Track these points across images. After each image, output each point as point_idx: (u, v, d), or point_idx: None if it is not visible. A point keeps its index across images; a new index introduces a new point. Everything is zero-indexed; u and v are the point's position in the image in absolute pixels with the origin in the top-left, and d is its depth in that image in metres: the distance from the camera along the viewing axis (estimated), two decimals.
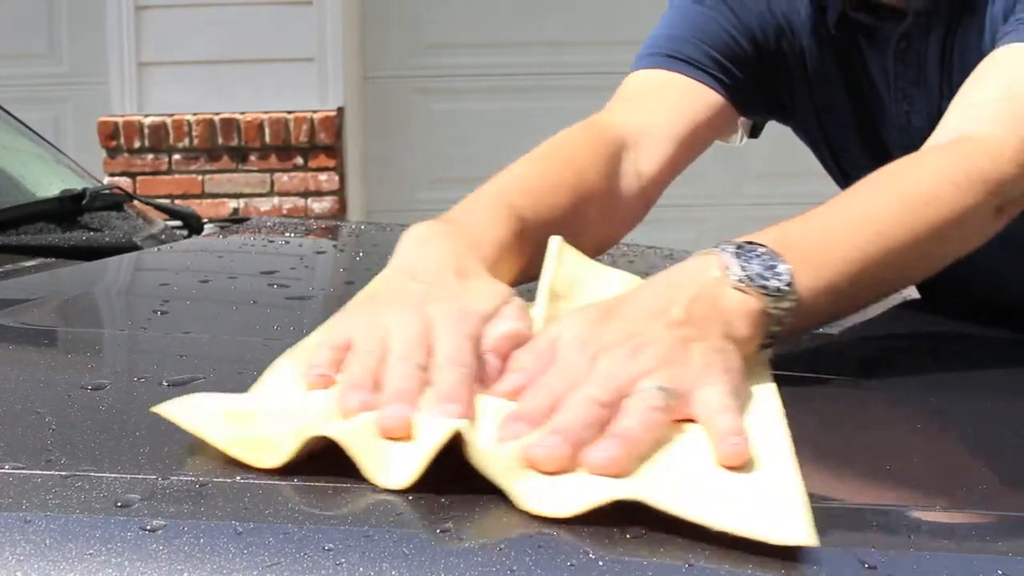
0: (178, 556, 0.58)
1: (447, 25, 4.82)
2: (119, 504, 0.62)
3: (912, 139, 1.17)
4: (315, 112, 4.47)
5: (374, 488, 0.64)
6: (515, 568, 0.57)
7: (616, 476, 0.65)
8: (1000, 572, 0.58)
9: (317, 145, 4.46)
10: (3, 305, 1.15)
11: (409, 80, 4.86)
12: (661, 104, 1.23)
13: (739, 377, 0.76)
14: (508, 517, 0.62)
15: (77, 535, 0.59)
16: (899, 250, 0.92)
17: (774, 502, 0.62)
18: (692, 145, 1.23)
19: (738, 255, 0.83)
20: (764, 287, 0.83)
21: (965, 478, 0.77)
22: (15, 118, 1.79)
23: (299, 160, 4.48)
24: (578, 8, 4.73)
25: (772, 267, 0.84)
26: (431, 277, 0.83)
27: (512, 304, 0.82)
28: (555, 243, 0.98)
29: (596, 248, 1.12)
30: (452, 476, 0.66)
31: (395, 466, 0.64)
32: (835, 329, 1.22)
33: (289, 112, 4.46)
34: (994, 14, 1.11)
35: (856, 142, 1.28)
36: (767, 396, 0.79)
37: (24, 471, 0.66)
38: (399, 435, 0.67)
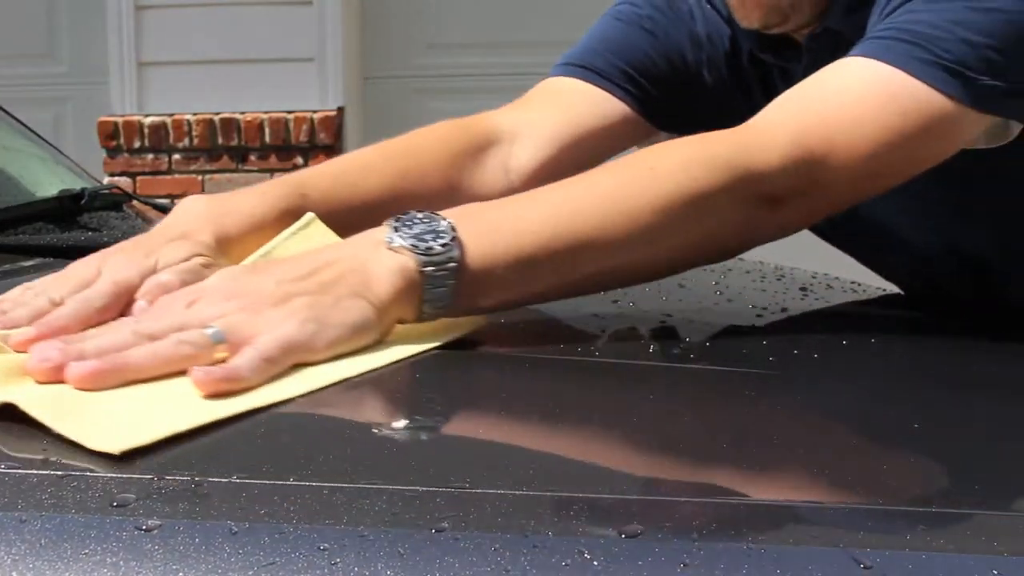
0: (173, 556, 0.58)
1: (447, 25, 4.82)
2: (114, 504, 0.62)
3: None
4: (315, 112, 4.46)
5: (371, 488, 0.64)
6: (510, 568, 0.57)
7: (88, 390, 0.71)
8: (995, 572, 0.58)
9: (317, 145, 4.46)
10: None
11: (409, 80, 4.86)
12: (553, 105, 1.23)
13: (334, 332, 0.79)
14: (504, 517, 0.62)
15: (72, 535, 0.59)
16: (602, 231, 0.91)
17: (135, 424, 0.68)
18: (580, 148, 1.20)
19: (399, 221, 0.86)
20: (416, 247, 0.84)
21: (962, 478, 0.77)
22: (15, 118, 1.79)
23: (299, 160, 4.48)
24: (579, 8, 4.73)
25: (434, 230, 0.85)
26: (142, 240, 0.92)
27: (191, 263, 0.89)
28: (305, 218, 0.99)
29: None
30: (450, 476, 0.66)
31: None
32: (831, 326, 1.22)
33: (289, 112, 4.46)
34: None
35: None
36: (366, 361, 0.81)
37: (19, 470, 0.66)
38: None
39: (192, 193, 4.69)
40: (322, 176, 1.05)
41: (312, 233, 0.97)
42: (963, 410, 0.94)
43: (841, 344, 1.22)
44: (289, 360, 0.78)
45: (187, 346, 0.75)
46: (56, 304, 0.84)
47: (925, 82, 0.98)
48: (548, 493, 0.66)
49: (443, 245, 0.85)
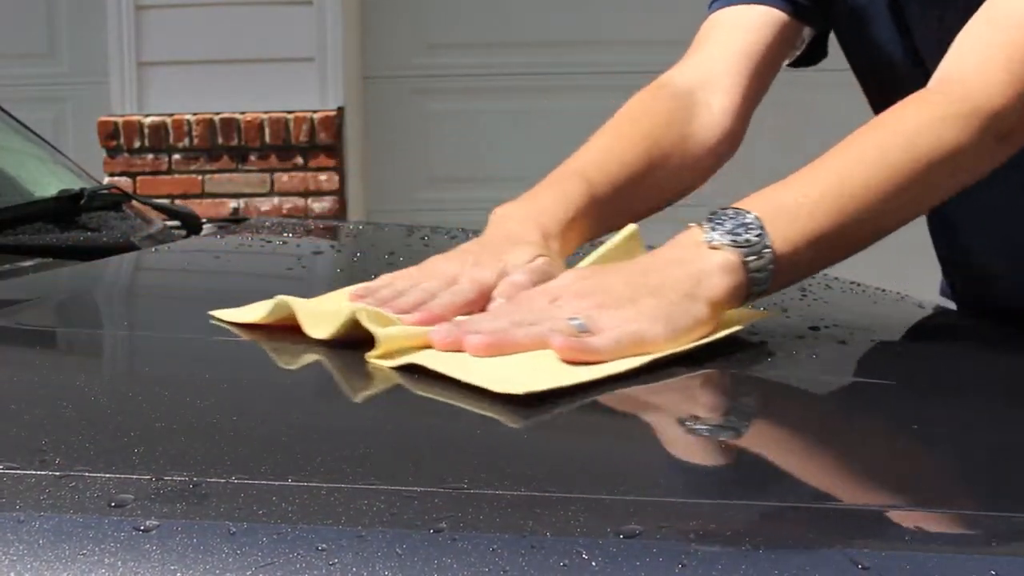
0: (171, 556, 0.58)
1: (447, 25, 4.81)
2: (113, 504, 0.62)
3: (942, 43, 1.18)
4: (315, 112, 4.46)
5: (369, 488, 0.64)
6: (508, 568, 0.57)
7: (481, 357, 0.85)
8: (994, 573, 0.58)
9: (317, 145, 4.46)
10: (2, 305, 1.15)
11: (409, 80, 4.86)
12: (723, 43, 1.28)
13: (675, 330, 0.91)
14: (502, 518, 0.62)
15: (71, 535, 0.59)
16: (879, 193, 1.00)
17: (526, 378, 0.82)
18: (760, 70, 1.28)
19: (710, 220, 0.95)
20: (735, 241, 0.94)
21: (961, 479, 0.77)
22: (15, 118, 1.79)
23: (299, 160, 4.48)
24: (580, 8, 4.72)
25: (743, 223, 0.95)
26: (486, 244, 1.04)
27: (536, 263, 1.00)
28: (628, 229, 1.10)
29: (681, 194, 1.25)
30: (448, 476, 0.66)
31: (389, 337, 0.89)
32: (830, 326, 1.22)
33: (289, 112, 4.46)
34: None
35: (890, 44, 1.29)
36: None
37: (18, 471, 0.66)
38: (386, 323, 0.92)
39: (192, 193, 4.68)
40: (596, 170, 1.14)
41: (632, 246, 1.08)
42: (963, 410, 0.94)
43: (842, 344, 1.22)
44: (636, 351, 0.88)
45: (558, 333, 0.87)
46: (430, 295, 0.98)
47: None
48: (546, 493, 0.66)
49: (757, 236, 0.94)
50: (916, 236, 1.46)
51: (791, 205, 0.98)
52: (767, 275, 0.95)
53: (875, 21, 1.30)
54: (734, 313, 0.98)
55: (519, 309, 0.92)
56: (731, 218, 0.95)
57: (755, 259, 0.94)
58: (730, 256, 0.94)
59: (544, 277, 0.98)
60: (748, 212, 0.96)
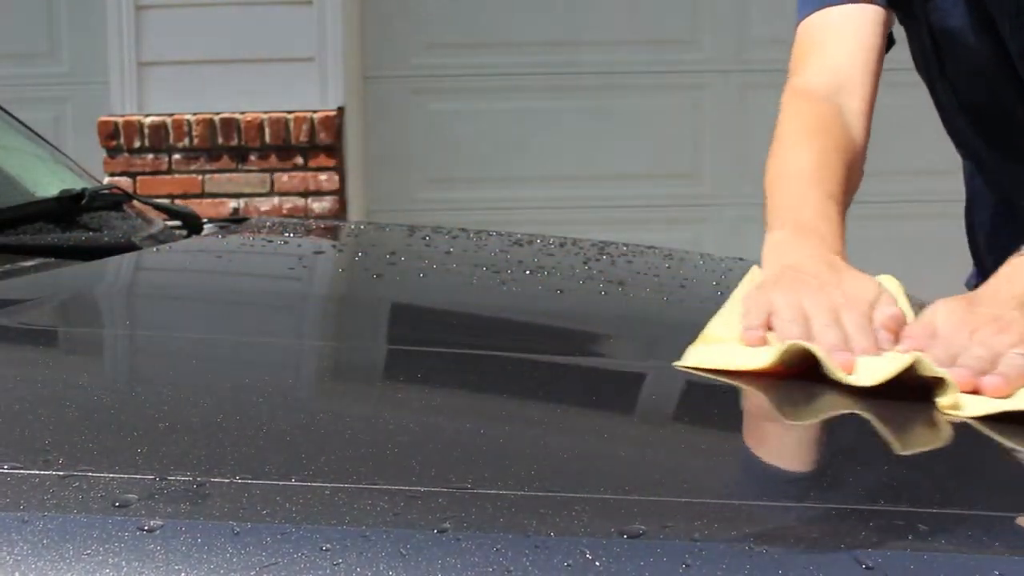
0: (175, 556, 0.58)
1: (447, 25, 4.81)
2: (117, 504, 0.62)
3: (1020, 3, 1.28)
4: (315, 112, 4.46)
5: (372, 488, 0.64)
6: (512, 568, 0.57)
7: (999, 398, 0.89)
8: (997, 573, 0.58)
9: (317, 145, 4.46)
10: (2, 305, 1.15)
11: (409, 80, 4.85)
12: (842, 43, 1.34)
13: None
14: (506, 518, 0.62)
15: (75, 535, 0.59)
16: None
17: None
18: (878, 63, 1.34)
19: None
20: None
21: (963, 478, 0.77)
22: (15, 118, 1.79)
23: (299, 160, 4.48)
24: (578, 8, 4.72)
25: None
26: (812, 271, 1.06)
27: (886, 293, 1.04)
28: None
29: (856, 190, 1.31)
30: (452, 476, 0.66)
31: (861, 375, 0.91)
32: None
33: (289, 112, 4.46)
34: None
35: (970, 28, 1.35)
36: None
37: (22, 471, 0.66)
38: (849, 368, 0.93)
39: (192, 193, 4.67)
40: (829, 182, 1.22)
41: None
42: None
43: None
44: None
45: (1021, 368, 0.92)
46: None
47: None
48: (550, 493, 0.66)
49: None
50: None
51: None
52: None
53: (962, 30, 1.35)
54: None
55: (967, 345, 0.95)
56: None
57: None
58: None
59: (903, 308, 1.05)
60: None
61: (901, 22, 1.43)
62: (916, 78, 1.50)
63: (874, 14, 1.33)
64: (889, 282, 1.11)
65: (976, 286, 1.47)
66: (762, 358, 0.94)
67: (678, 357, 0.95)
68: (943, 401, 0.88)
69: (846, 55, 1.32)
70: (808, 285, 1.03)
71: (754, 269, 1.19)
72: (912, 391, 0.91)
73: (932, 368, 0.90)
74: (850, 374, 0.92)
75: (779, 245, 1.14)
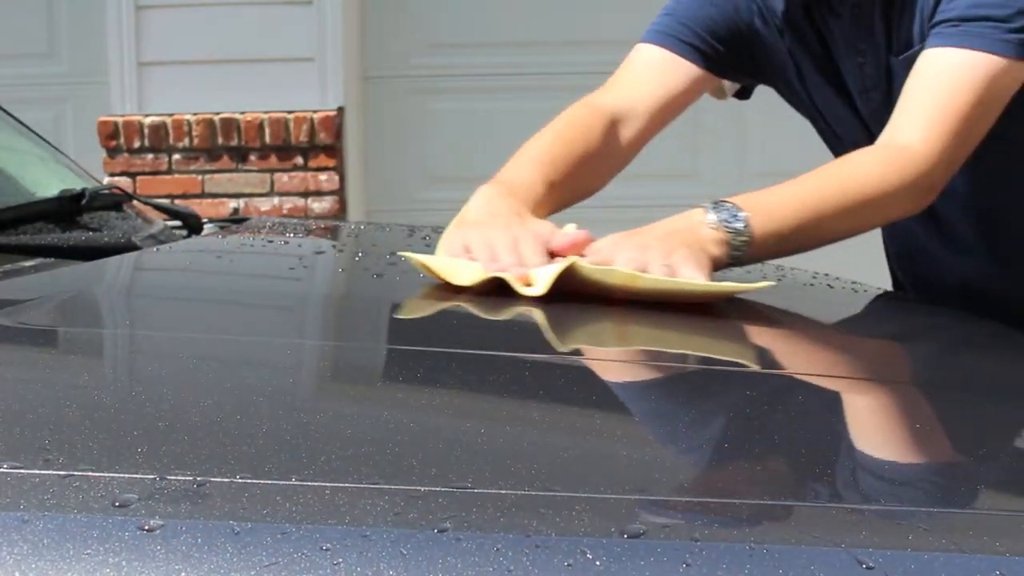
0: (176, 556, 0.58)
1: (447, 25, 4.81)
2: (117, 504, 0.62)
3: (865, 83, 1.54)
4: (315, 112, 4.46)
5: (372, 488, 0.64)
6: (512, 568, 0.57)
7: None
8: (998, 573, 0.58)
9: (317, 145, 4.46)
10: (2, 305, 1.15)
11: (409, 80, 4.85)
12: (646, 82, 1.59)
13: (703, 266, 1.22)
14: (507, 517, 0.62)
15: (75, 535, 0.59)
16: (830, 215, 1.35)
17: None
18: (667, 110, 1.59)
19: (713, 208, 1.29)
20: (727, 226, 1.28)
21: (964, 478, 0.77)
22: (15, 118, 1.79)
23: (299, 160, 4.48)
24: (578, 8, 4.72)
25: (735, 215, 1.28)
26: (503, 217, 1.30)
27: (561, 231, 1.28)
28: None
29: (592, 192, 1.55)
30: (452, 476, 0.66)
31: (536, 285, 1.16)
32: (832, 326, 1.22)
33: (289, 112, 4.46)
34: None
35: (827, 89, 1.60)
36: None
37: (22, 471, 0.66)
38: (525, 280, 1.18)
39: (192, 193, 4.67)
40: (548, 161, 1.45)
41: None
42: (963, 410, 0.94)
43: (843, 344, 1.22)
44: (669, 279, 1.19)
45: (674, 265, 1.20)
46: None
47: (999, 54, 1.37)
48: (550, 493, 0.66)
49: (744, 227, 1.28)
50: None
51: (770, 208, 1.33)
52: (742, 253, 1.29)
53: (813, 75, 1.59)
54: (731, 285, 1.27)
55: (632, 250, 1.22)
56: (727, 209, 1.29)
57: (737, 241, 1.28)
58: (721, 236, 1.27)
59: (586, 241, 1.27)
60: (739, 209, 1.29)
61: (779, 92, 1.68)
62: None
63: (686, 69, 1.58)
64: (571, 227, 1.33)
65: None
66: (465, 276, 1.19)
67: (678, 357, 0.95)
68: (614, 280, 1.15)
69: (640, 93, 1.58)
70: (496, 225, 1.27)
71: (463, 210, 1.37)
72: None
73: (590, 268, 1.16)
74: (528, 286, 1.16)
75: (483, 195, 1.36)
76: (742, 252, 1.29)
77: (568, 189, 1.47)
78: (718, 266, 1.27)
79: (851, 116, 1.58)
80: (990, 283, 1.61)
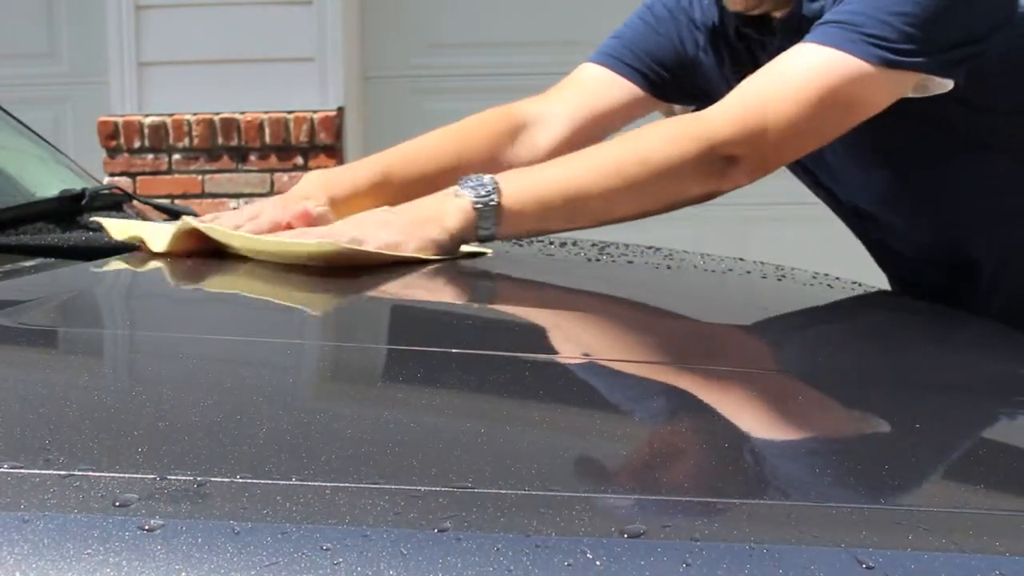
0: (176, 556, 0.58)
1: (447, 25, 4.81)
2: (117, 504, 0.62)
3: None
4: (315, 112, 4.46)
5: (373, 487, 0.64)
6: (512, 568, 0.57)
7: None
8: (998, 573, 0.58)
9: (317, 145, 4.46)
10: (2, 305, 1.15)
11: (409, 80, 4.85)
12: (575, 93, 1.61)
13: (421, 240, 1.25)
14: (507, 517, 0.62)
15: (75, 535, 0.59)
16: (605, 189, 1.32)
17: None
18: (595, 125, 1.58)
19: (463, 181, 1.29)
20: (473, 191, 1.28)
21: (964, 478, 0.77)
22: (15, 118, 1.79)
23: (299, 160, 4.48)
24: (578, 8, 4.72)
25: (482, 184, 1.29)
26: (285, 197, 1.39)
27: (314, 207, 1.35)
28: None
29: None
30: (453, 476, 0.66)
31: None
32: (833, 326, 1.22)
33: (289, 112, 4.46)
34: None
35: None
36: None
37: (22, 470, 0.66)
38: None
39: (192, 193, 4.66)
40: (399, 158, 1.48)
41: None
42: (964, 410, 0.94)
43: (844, 343, 1.22)
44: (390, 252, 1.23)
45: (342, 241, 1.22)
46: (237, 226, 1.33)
47: (851, 53, 1.34)
48: (550, 493, 0.66)
49: (488, 192, 1.27)
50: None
51: (527, 179, 1.32)
52: (493, 220, 1.28)
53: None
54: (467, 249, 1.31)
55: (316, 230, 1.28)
56: (475, 179, 1.29)
57: (483, 207, 1.27)
58: (465, 202, 1.27)
59: (325, 221, 1.34)
60: (488, 176, 1.29)
61: None
62: None
63: (625, 88, 1.60)
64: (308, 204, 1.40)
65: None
66: (162, 239, 1.27)
67: (678, 357, 0.95)
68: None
69: (567, 106, 1.59)
70: (270, 201, 1.38)
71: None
72: None
73: (206, 227, 1.27)
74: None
75: (305, 177, 1.44)
76: (491, 223, 1.29)
77: (426, 183, 1.42)
78: (459, 239, 1.28)
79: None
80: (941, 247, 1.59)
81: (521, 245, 1.73)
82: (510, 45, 4.79)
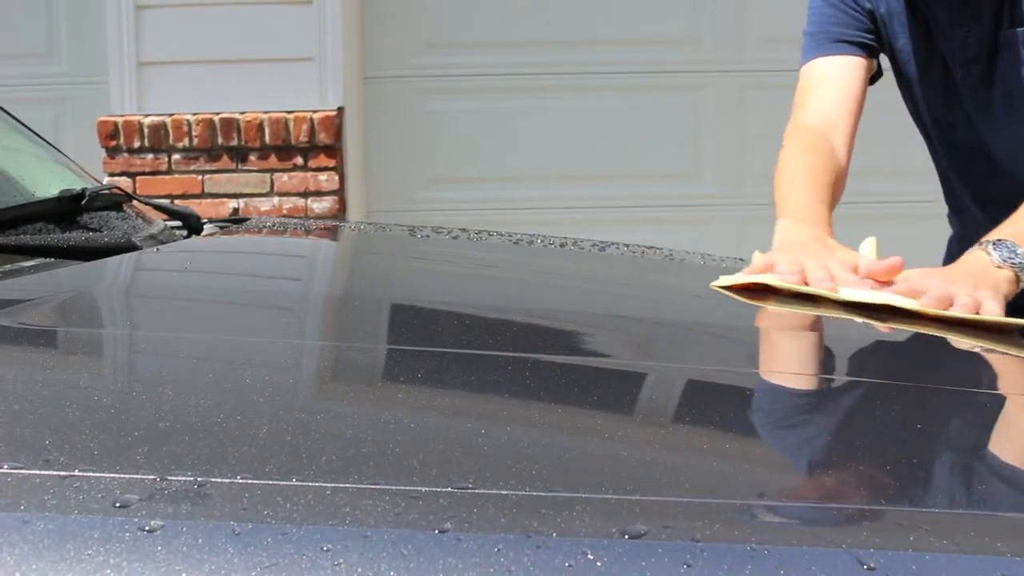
0: (176, 557, 0.58)
1: (447, 25, 4.81)
2: (117, 504, 0.62)
3: (967, 55, 1.70)
4: (315, 112, 4.46)
5: (373, 488, 0.64)
6: (513, 569, 0.57)
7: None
8: (999, 574, 0.58)
9: (317, 145, 4.46)
10: (2, 305, 1.15)
11: (409, 80, 4.85)
12: (830, 92, 1.77)
13: (1000, 301, 1.37)
14: (508, 518, 0.62)
15: (75, 535, 0.59)
16: None
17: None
18: (859, 105, 1.77)
19: (994, 247, 1.45)
20: (1012, 262, 1.44)
21: (964, 478, 0.77)
22: (15, 118, 1.79)
23: (299, 160, 4.48)
24: (578, 8, 4.72)
25: (1014, 251, 1.44)
26: (810, 246, 1.46)
27: (862, 253, 1.47)
28: (871, 239, 1.57)
29: (838, 202, 1.70)
30: (453, 476, 0.66)
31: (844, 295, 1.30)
32: (833, 326, 1.22)
33: (289, 112, 4.46)
34: None
35: (926, 60, 1.78)
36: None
37: (22, 471, 0.66)
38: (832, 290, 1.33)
39: (192, 193, 4.65)
40: (818, 188, 1.64)
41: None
42: (964, 410, 0.94)
43: (843, 344, 1.21)
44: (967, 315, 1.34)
45: (963, 300, 1.33)
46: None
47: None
48: (551, 493, 0.65)
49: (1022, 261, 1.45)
50: None
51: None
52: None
53: (912, 47, 1.79)
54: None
55: (939, 281, 1.37)
56: (1007, 247, 1.45)
57: (1021, 274, 1.44)
58: (1009, 274, 1.44)
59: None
60: (1018, 245, 1.45)
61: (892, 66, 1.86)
62: None
63: (856, 65, 1.76)
64: (869, 242, 1.53)
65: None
66: (761, 276, 1.30)
67: (678, 357, 0.95)
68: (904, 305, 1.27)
69: (831, 100, 1.76)
70: (807, 251, 1.42)
71: (756, 254, 1.48)
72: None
73: (902, 300, 1.28)
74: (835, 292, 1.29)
75: (783, 228, 1.54)
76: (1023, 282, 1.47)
77: (831, 203, 1.65)
78: (1008, 300, 1.43)
79: (942, 90, 1.75)
80: None
81: (521, 245, 1.72)
82: (510, 45, 4.79)
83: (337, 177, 4.51)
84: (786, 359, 1.17)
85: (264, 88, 4.51)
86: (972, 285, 1.38)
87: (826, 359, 1.18)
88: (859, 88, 1.77)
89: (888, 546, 0.61)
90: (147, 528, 0.59)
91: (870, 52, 1.79)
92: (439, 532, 0.60)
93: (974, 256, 1.46)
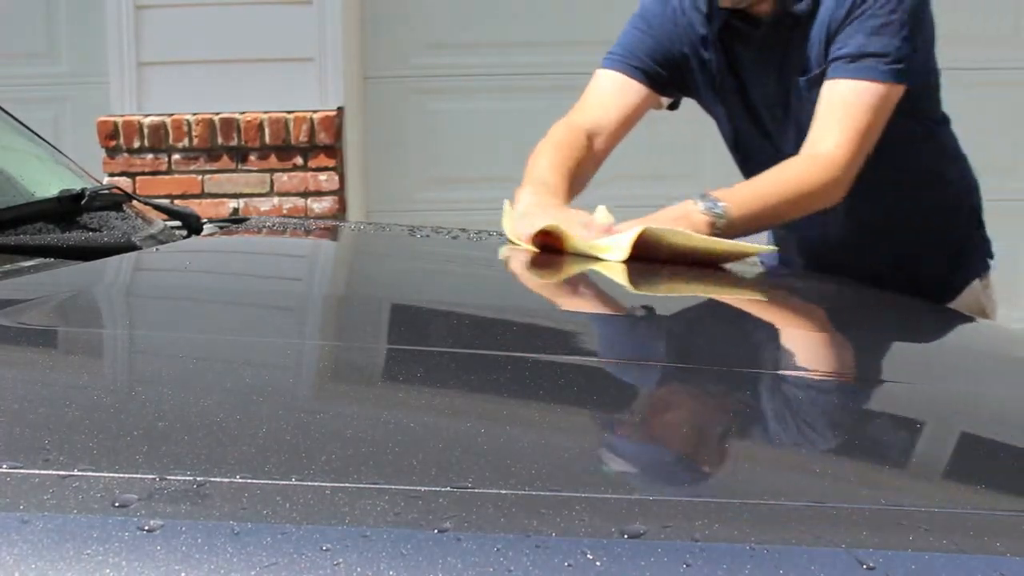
0: (176, 556, 0.58)
1: (447, 25, 4.80)
2: (117, 504, 0.62)
3: (769, 100, 2.00)
4: (315, 112, 4.46)
5: (373, 488, 0.64)
6: (512, 568, 0.57)
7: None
8: (999, 573, 0.58)
9: (317, 145, 4.46)
10: (2, 305, 1.15)
11: (409, 80, 4.85)
12: (607, 103, 2.04)
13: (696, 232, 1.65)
14: (507, 518, 0.62)
15: (74, 535, 0.59)
16: (781, 204, 1.83)
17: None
18: (627, 124, 2.05)
19: (699, 200, 1.74)
20: (711, 211, 1.73)
21: (965, 478, 0.77)
22: (15, 118, 1.79)
23: (299, 160, 4.48)
24: (578, 8, 4.72)
25: (716, 203, 1.74)
26: (553, 208, 1.75)
27: (597, 219, 1.70)
28: (603, 207, 1.76)
29: (578, 194, 1.95)
30: (453, 476, 0.66)
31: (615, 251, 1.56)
32: (833, 326, 1.22)
33: (289, 112, 4.46)
34: (821, 23, 1.89)
35: (738, 104, 2.06)
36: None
37: (22, 470, 0.66)
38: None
39: (192, 193, 4.65)
40: (561, 170, 1.89)
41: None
42: (964, 410, 0.94)
43: (841, 343, 1.22)
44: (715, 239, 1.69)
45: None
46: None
47: (883, 82, 1.86)
48: (550, 493, 0.65)
49: (723, 211, 1.73)
50: None
51: (740, 196, 1.79)
52: (721, 230, 1.72)
53: (729, 93, 2.05)
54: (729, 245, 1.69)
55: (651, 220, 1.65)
56: (707, 199, 1.75)
57: (718, 220, 1.72)
58: (708, 219, 1.72)
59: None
60: (719, 200, 1.75)
61: (701, 106, 2.16)
62: None
63: (638, 89, 2.02)
64: (602, 209, 1.73)
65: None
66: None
67: (677, 356, 0.95)
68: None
69: (604, 113, 2.02)
70: (549, 215, 1.68)
71: (506, 205, 1.80)
72: None
73: (658, 229, 1.60)
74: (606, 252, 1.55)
75: (529, 193, 1.80)
76: (721, 231, 1.73)
77: (572, 192, 1.89)
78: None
79: (754, 128, 2.04)
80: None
81: (521, 245, 1.72)
82: (510, 45, 4.79)
83: (337, 177, 4.51)
84: (795, 357, 1.17)
85: (264, 88, 4.51)
86: (672, 222, 1.67)
87: (827, 359, 1.18)
88: (634, 113, 2.05)
89: (887, 545, 0.61)
90: (146, 528, 0.59)
91: (657, 87, 2.06)
92: (438, 532, 0.60)
93: (682, 203, 1.77)
